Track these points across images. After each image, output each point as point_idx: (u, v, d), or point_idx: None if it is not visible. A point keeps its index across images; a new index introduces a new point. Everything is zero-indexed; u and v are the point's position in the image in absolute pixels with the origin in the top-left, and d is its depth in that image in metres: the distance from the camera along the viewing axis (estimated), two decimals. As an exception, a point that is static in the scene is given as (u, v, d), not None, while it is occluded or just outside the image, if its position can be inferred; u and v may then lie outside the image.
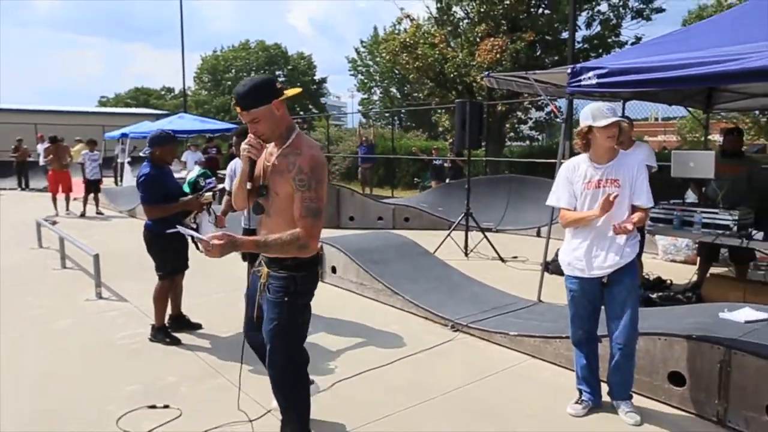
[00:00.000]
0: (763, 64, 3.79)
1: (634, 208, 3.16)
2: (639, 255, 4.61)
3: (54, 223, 9.27)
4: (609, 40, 17.68)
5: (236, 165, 4.78)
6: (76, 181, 12.88)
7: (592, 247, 3.17)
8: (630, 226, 3.03)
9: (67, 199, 12.50)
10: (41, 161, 14.75)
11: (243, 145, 2.52)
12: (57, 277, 6.75)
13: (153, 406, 3.33)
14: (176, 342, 4.46)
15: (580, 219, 3.19)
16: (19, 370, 3.98)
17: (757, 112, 16.38)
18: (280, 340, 2.63)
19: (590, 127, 3.11)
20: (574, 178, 3.25)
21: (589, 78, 4.78)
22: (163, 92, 53.69)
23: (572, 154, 6.04)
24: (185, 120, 18.51)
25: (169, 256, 4.48)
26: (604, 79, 4.72)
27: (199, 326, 4.75)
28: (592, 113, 3.11)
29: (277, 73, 41.04)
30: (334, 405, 3.43)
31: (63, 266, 7.10)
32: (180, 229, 2.87)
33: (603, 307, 3.31)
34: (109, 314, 5.25)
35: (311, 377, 3.05)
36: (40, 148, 15.87)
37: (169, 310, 4.68)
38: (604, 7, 17.67)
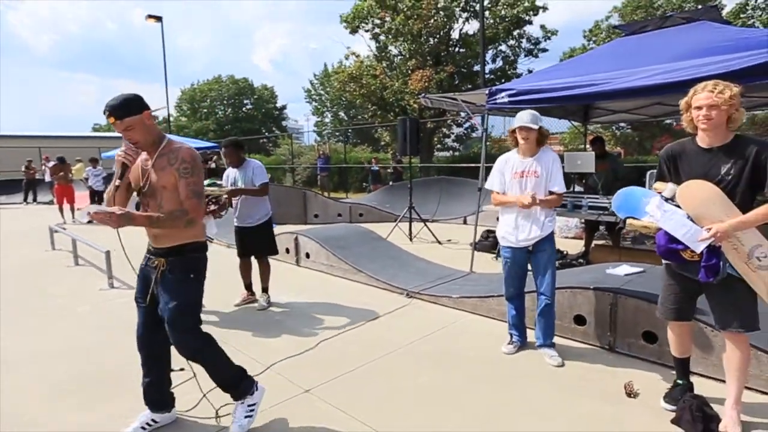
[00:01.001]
0: (620, 86, 4.11)
1: (551, 193, 3.27)
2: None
3: (63, 229, 8.67)
4: (509, 72, 18.37)
5: (229, 173, 4.64)
6: (79, 194, 12.15)
7: (519, 225, 3.27)
8: (527, 201, 3.09)
9: (72, 209, 11.73)
10: (47, 178, 13.89)
11: (118, 152, 2.35)
12: (72, 272, 6.33)
13: (170, 369, 3.21)
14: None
15: (506, 202, 3.30)
16: (52, 344, 3.77)
17: (614, 127, 17.41)
18: (183, 320, 2.38)
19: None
20: (505, 169, 3.33)
21: (503, 97, 4.94)
22: (149, 119, 50.84)
23: (489, 158, 6.18)
24: (170, 141, 17.83)
25: None
26: (513, 98, 4.88)
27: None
28: (517, 117, 3.22)
29: (245, 101, 39.75)
30: (320, 359, 3.42)
31: (76, 263, 6.66)
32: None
33: (530, 272, 3.39)
34: (121, 300, 4.98)
35: None
36: (47, 167, 15.04)
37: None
38: (504, 47, 18.33)
